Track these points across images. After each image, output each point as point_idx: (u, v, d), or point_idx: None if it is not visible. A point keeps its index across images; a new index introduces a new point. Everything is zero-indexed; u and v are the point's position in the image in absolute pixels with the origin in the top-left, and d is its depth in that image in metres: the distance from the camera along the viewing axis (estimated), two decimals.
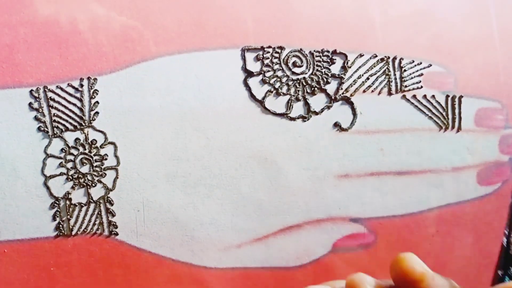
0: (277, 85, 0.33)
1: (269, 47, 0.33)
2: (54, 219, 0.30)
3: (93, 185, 0.31)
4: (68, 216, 0.31)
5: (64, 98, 0.30)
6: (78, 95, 0.31)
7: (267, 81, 0.33)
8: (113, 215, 0.31)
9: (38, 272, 0.30)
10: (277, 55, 0.33)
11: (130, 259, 0.32)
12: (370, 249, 0.35)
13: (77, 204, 0.31)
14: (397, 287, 0.32)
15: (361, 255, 0.35)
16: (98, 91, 0.31)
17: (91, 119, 0.31)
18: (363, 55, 0.35)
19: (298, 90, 0.34)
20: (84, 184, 0.31)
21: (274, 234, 0.34)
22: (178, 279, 0.33)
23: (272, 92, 0.33)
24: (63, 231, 0.31)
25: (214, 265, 0.33)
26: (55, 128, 0.30)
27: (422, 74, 0.36)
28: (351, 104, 0.34)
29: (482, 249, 0.38)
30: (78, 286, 0.31)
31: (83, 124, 0.31)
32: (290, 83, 0.34)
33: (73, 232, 0.31)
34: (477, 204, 0.37)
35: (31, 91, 0.30)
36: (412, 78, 0.36)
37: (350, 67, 0.34)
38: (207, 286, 0.33)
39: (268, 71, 0.33)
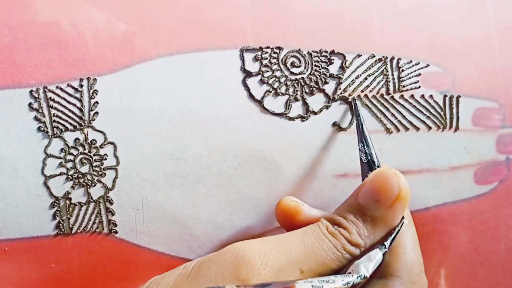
0: (276, 85, 0.33)
1: (268, 47, 0.33)
2: (54, 218, 0.31)
3: (93, 184, 0.31)
4: (68, 215, 0.31)
5: (64, 99, 0.31)
6: (77, 95, 0.31)
7: (266, 81, 0.33)
8: (113, 214, 0.31)
9: (38, 269, 0.30)
10: (275, 55, 0.33)
11: (129, 255, 0.32)
12: None
13: (77, 203, 0.31)
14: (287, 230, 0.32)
15: None
16: (97, 91, 0.31)
17: (90, 119, 0.31)
18: (361, 55, 0.35)
19: (297, 90, 0.34)
20: (84, 183, 0.31)
21: (271, 231, 0.34)
22: None
23: (270, 92, 0.33)
24: (63, 230, 0.31)
25: None
26: (55, 128, 0.30)
27: (420, 74, 0.36)
28: (349, 104, 0.35)
29: (477, 248, 0.38)
30: (78, 282, 0.31)
31: (83, 124, 0.31)
32: (288, 83, 0.34)
33: (73, 231, 0.31)
34: (473, 203, 0.37)
35: (31, 92, 0.30)
36: (410, 78, 0.36)
37: (348, 67, 0.35)
38: None
39: (267, 71, 0.33)
